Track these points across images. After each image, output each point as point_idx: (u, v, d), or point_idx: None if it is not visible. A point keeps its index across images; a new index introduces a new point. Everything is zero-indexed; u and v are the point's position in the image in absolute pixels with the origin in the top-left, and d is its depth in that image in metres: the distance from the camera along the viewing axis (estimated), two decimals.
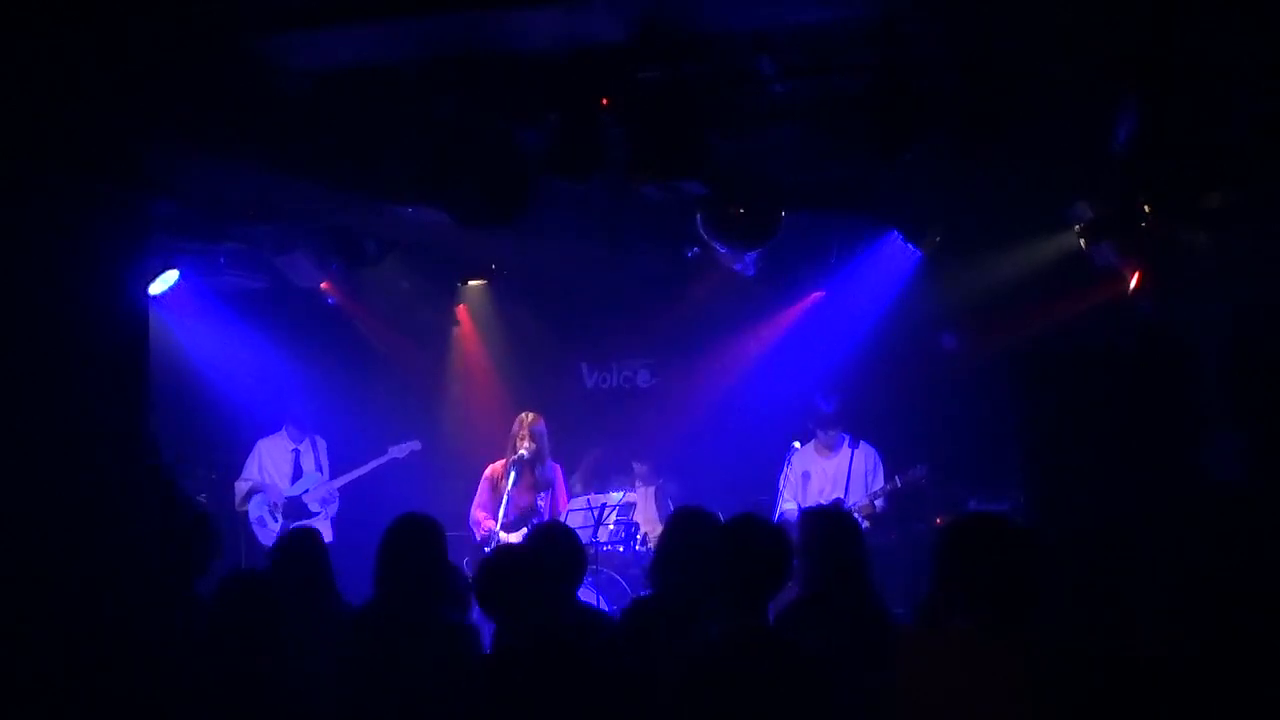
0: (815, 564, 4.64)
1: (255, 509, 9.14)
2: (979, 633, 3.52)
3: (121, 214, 5.74)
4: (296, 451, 9.38)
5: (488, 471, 8.44)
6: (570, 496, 8.70)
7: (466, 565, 6.84)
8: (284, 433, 9.42)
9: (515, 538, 7.82)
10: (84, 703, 4.70)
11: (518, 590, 4.12)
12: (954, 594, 3.61)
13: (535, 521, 7.99)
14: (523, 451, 8.23)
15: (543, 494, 8.35)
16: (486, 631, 4.49)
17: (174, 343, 9.19)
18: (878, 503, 8.50)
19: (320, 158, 6.62)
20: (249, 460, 9.30)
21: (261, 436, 9.45)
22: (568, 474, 8.84)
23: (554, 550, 4.64)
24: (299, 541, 5.42)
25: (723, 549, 3.97)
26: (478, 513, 8.34)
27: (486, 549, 7.76)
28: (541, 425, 8.39)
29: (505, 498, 8.17)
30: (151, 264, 7.82)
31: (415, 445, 9.61)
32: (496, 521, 8.12)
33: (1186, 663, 3.87)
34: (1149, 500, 5.61)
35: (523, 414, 8.51)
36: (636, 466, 9.51)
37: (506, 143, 6.39)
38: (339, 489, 9.41)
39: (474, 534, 8.31)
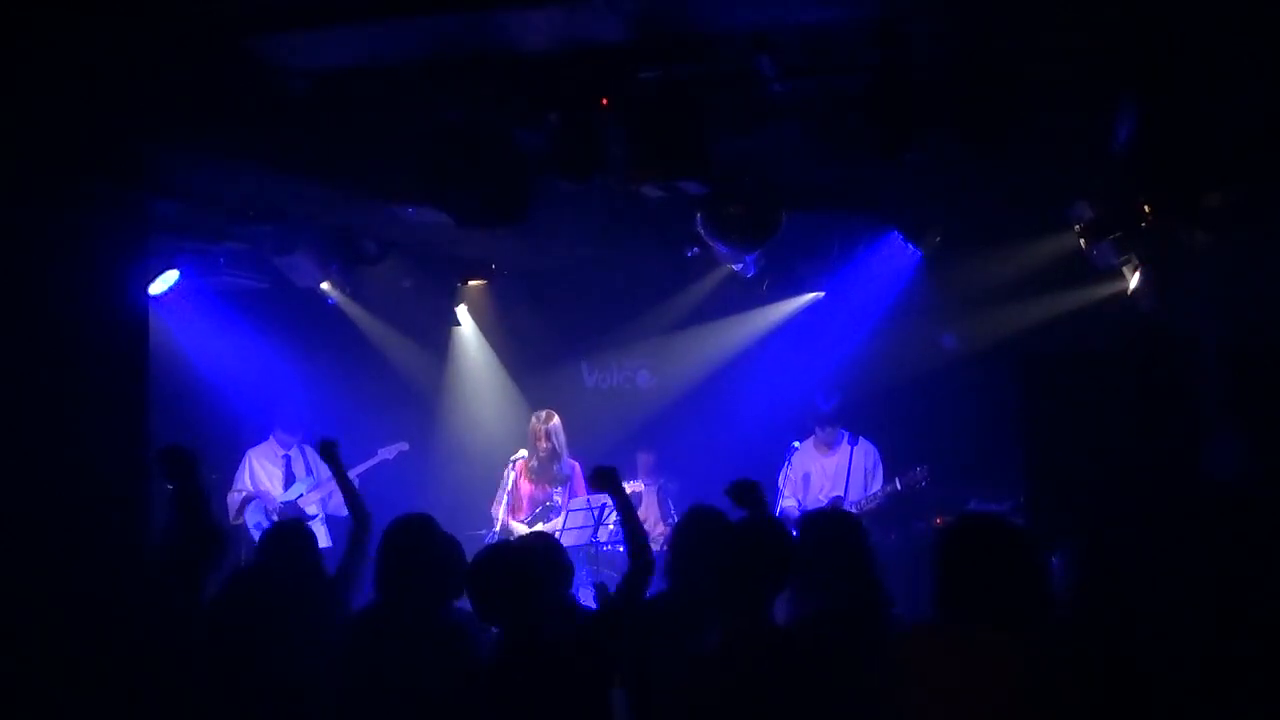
0: (815, 566, 4.62)
1: (252, 517, 9.10)
2: (979, 633, 3.52)
3: (121, 214, 5.75)
4: (287, 458, 9.31)
5: (508, 469, 8.67)
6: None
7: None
8: (272, 440, 9.35)
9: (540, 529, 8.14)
10: (85, 702, 4.70)
11: (509, 589, 4.12)
12: (954, 594, 3.61)
13: (553, 516, 8.43)
14: (540, 449, 8.58)
15: (559, 489, 8.61)
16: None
17: (174, 343, 9.17)
18: (877, 501, 8.51)
19: (320, 158, 6.61)
20: (239, 471, 9.21)
21: (255, 442, 9.40)
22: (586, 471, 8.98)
23: (540, 553, 4.64)
24: (283, 535, 5.39)
25: (732, 551, 4.00)
26: (497, 509, 8.55)
27: None
28: (557, 423, 8.68)
29: (522, 494, 8.57)
30: (151, 264, 7.81)
31: (403, 446, 9.64)
32: (513, 516, 8.49)
33: (1187, 663, 3.87)
34: (1149, 500, 5.61)
35: (538, 412, 8.78)
36: (641, 456, 9.49)
37: (506, 143, 6.39)
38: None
39: (492, 529, 8.47)
